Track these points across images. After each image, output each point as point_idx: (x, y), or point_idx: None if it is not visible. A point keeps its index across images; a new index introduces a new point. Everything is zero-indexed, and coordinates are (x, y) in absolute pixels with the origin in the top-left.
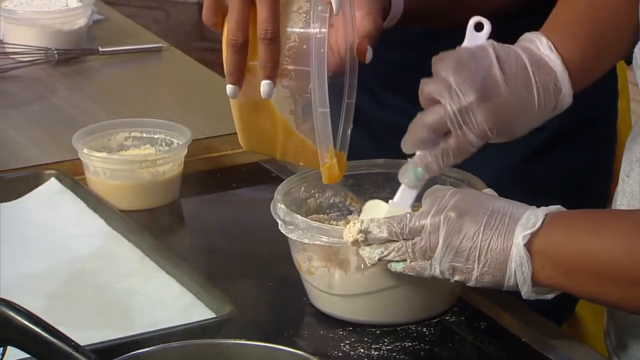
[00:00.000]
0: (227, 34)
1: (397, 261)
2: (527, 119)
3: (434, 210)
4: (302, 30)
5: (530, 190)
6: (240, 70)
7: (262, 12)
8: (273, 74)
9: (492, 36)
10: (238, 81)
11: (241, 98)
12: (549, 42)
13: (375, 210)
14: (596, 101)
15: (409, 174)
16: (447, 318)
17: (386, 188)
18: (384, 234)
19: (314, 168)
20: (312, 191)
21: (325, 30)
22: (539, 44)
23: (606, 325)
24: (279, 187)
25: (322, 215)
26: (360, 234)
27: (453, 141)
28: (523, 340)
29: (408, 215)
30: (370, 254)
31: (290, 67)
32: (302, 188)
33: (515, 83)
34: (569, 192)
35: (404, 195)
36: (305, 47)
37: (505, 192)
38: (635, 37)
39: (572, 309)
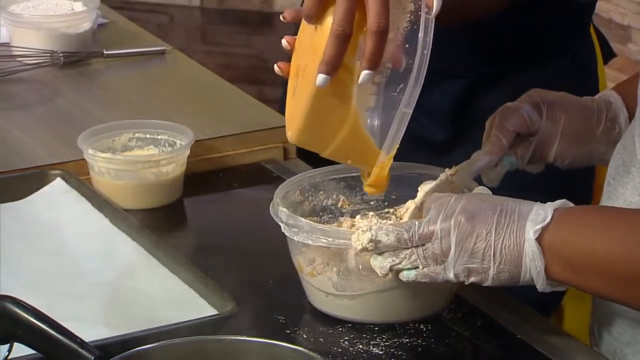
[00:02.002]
0: (333, 24)
1: (408, 269)
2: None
3: (442, 216)
4: (406, 30)
5: (515, 184)
6: (338, 61)
7: (374, 6)
8: (376, 67)
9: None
10: (333, 71)
11: (322, 89)
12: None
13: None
14: None
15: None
16: (444, 315)
17: None
18: (392, 241)
19: (362, 167)
20: (306, 194)
21: (431, 32)
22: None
23: (591, 318)
24: (277, 190)
25: (315, 218)
26: (371, 243)
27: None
28: (518, 336)
29: (417, 222)
30: (382, 263)
31: (388, 64)
32: (297, 192)
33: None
34: (554, 185)
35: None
36: (407, 46)
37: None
38: None
39: (558, 302)
